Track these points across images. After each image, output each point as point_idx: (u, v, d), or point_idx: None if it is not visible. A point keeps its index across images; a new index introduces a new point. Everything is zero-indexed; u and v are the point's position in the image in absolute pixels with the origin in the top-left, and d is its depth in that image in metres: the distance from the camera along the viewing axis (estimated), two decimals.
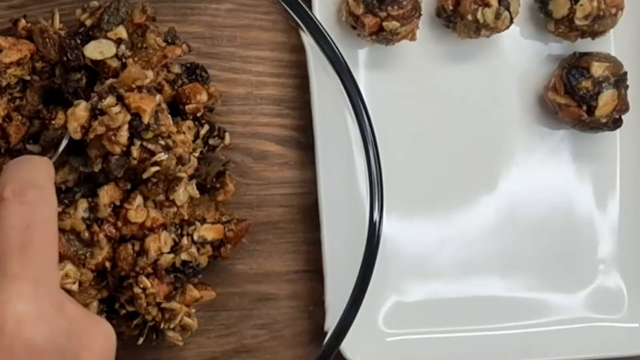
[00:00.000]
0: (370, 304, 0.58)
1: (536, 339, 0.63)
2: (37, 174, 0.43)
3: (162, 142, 0.51)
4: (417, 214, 0.63)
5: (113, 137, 0.49)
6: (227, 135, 0.57)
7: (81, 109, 0.50)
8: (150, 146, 0.50)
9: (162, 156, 0.50)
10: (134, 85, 0.51)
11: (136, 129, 0.50)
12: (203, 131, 0.56)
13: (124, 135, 0.49)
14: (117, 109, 0.49)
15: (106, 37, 0.53)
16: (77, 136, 0.50)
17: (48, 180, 0.44)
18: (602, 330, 0.63)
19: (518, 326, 0.63)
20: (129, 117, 0.49)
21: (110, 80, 0.51)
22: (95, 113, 0.50)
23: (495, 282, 0.63)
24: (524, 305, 0.63)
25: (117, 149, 0.50)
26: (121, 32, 0.53)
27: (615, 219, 0.65)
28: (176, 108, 0.56)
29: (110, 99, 0.50)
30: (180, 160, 0.52)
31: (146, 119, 0.50)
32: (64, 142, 0.52)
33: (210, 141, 0.57)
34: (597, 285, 0.64)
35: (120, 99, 0.50)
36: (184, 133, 0.52)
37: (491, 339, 0.63)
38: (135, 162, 0.50)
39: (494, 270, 0.63)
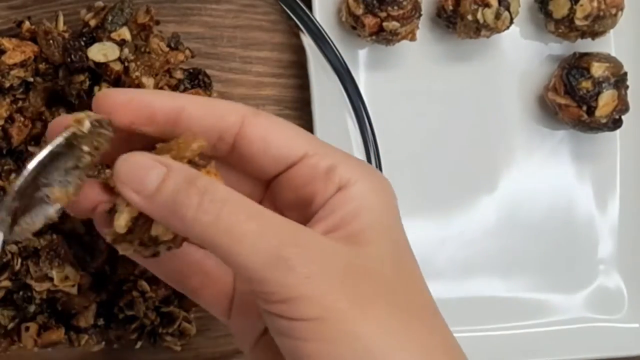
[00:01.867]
0: None
1: (536, 339, 0.63)
2: None
3: None
4: (417, 214, 0.63)
5: None
6: None
7: None
8: None
9: None
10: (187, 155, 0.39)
11: None
12: None
13: None
14: None
15: (110, 38, 0.53)
16: (122, 230, 0.39)
17: None
18: (602, 330, 0.63)
19: (518, 326, 0.63)
20: None
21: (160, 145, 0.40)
22: None
23: (496, 282, 0.63)
24: (524, 306, 0.63)
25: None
26: (125, 33, 0.53)
27: (616, 219, 0.65)
28: None
29: None
30: None
31: None
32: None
33: None
34: (597, 285, 0.64)
35: None
36: None
37: (491, 339, 0.63)
38: None
39: (494, 271, 0.63)
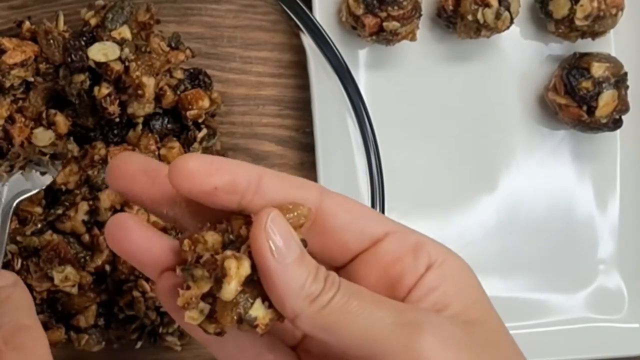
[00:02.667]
0: None
1: (536, 339, 0.63)
2: (19, 313, 0.42)
3: None
4: (417, 214, 0.63)
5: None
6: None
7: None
8: None
9: None
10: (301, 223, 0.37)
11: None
12: (201, 134, 0.56)
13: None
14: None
15: (110, 37, 0.53)
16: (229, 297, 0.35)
17: (31, 314, 0.43)
18: (602, 330, 0.63)
19: (518, 326, 0.63)
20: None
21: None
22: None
23: (496, 282, 0.63)
24: (524, 306, 0.63)
25: None
26: (125, 31, 0.53)
27: (616, 219, 0.65)
28: (178, 114, 0.56)
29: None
30: None
31: None
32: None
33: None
34: (597, 285, 0.64)
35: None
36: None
37: None
38: None
39: (495, 271, 0.63)
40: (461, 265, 0.38)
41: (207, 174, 0.35)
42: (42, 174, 0.53)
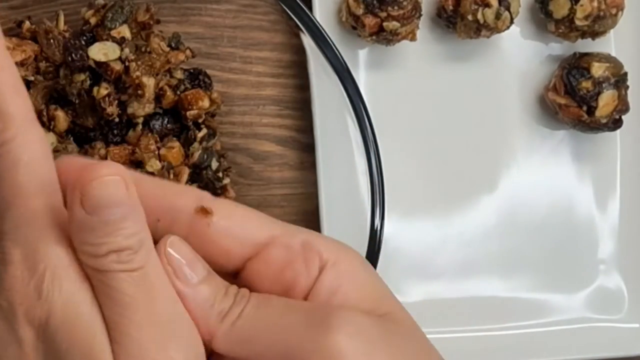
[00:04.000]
0: None
1: (536, 339, 0.63)
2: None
3: None
4: (417, 214, 0.63)
5: None
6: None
7: None
8: None
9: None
10: None
11: None
12: (200, 134, 0.56)
13: None
14: None
15: (110, 36, 0.53)
16: None
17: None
18: (603, 330, 0.63)
19: (518, 326, 0.63)
20: None
21: None
22: None
23: (496, 282, 0.63)
24: (524, 306, 0.63)
25: None
26: (124, 31, 0.54)
27: (616, 219, 0.65)
28: (178, 114, 0.56)
29: None
30: None
31: None
32: None
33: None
34: (598, 285, 0.64)
35: None
36: None
37: (491, 339, 0.63)
38: None
39: (494, 271, 0.63)
40: (357, 260, 0.37)
41: (72, 173, 0.34)
42: None
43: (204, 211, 0.35)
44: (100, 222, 0.31)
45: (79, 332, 0.32)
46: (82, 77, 0.53)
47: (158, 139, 0.56)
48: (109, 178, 0.31)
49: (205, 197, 0.36)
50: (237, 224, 0.36)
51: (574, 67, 0.60)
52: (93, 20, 0.54)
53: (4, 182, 0.32)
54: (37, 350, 0.32)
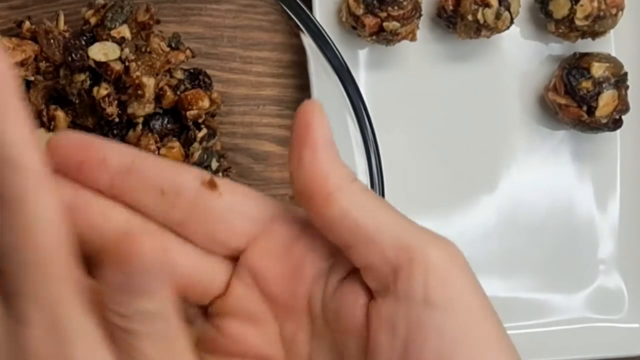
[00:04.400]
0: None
1: (536, 339, 0.63)
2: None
3: None
4: (417, 214, 0.62)
5: None
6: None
7: None
8: None
9: None
10: None
11: None
12: (200, 134, 0.56)
13: None
14: None
15: (109, 36, 0.53)
16: None
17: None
18: (603, 330, 0.63)
19: (518, 326, 0.63)
20: None
21: None
22: None
23: (495, 283, 0.63)
24: (524, 306, 0.63)
25: None
26: (124, 30, 0.54)
27: (616, 219, 0.65)
28: (178, 114, 0.56)
29: None
30: None
31: None
32: None
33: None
34: (598, 285, 0.64)
35: None
36: None
37: None
38: None
39: (494, 271, 0.63)
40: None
41: (75, 149, 0.34)
42: None
43: (212, 184, 0.34)
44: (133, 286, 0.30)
45: None
46: (82, 77, 0.53)
47: (158, 139, 0.56)
48: (151, 258, 0.30)
49: (207, 175, 0.35)
50: (242, 200, 0.35)
51: (574, 67, 0.60)
52: (93, 20, 0.54)
53: (20, 240, 0.31)
54: None
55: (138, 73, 0.53)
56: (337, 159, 0.34)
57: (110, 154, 0.34)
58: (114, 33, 0.53)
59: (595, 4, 0.59)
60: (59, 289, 0.31)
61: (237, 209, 0.35)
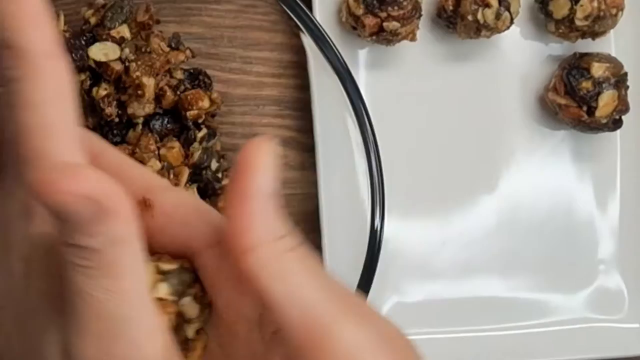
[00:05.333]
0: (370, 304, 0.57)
1: (536, 339, 0.63)
2: None
3: None
4: (417, 214, 0.63)
5: None
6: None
7: None
8: None
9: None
10: None
11: None
12: (200, 134, 0.56)
13: None
14: None
15: (109, 36, 0.53)
16: None
17: None
18: (603, 330, 0.63)
19: (518, 327, 0.63)
20: None
21: None
22: None
23: (496, 283, 0.63)
24: (524, 306, 0.63)
25: None
26: (124, 30, 0.54)
27: (616, 219, 0.65)
28: (178, 114, 0.56)
29: None
30: None
31: None
32: None
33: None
34: (598, 285, 0.64)
35: None
36: None
37: (491, 339, 0.63)
38: None
39: (495, 271, 0.63)
40: None
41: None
42: None
43: (144, 204, 0.33)
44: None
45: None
46: (82, 77, 0.53)
47: (158, 139, 0.56)
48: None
49: (153, 186, 0.34)
50: (178, 220, 0.33)
51: (574, 67, 0.60)
52: (93, 20, 0.54)
53: (12, 124, 0.31)
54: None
55: (138, 73, 0.53)
56: (268, 212, 0.31)
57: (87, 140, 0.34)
58: (113, 33, 0.53)
59: (595, 4, 0.59)
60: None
61: (172, 229, 0.33)
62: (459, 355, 0.62)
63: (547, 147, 0.64)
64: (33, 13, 0.30)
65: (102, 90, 0.53)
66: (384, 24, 0.58)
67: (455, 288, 0.63)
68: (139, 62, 0.53)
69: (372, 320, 0.31)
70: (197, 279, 0.33)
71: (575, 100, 0.60)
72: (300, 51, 0.58)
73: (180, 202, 0.34)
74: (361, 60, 0.62)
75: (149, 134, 0.56)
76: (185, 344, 0.33)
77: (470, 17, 0.59)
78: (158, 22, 0.56)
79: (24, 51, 0.30)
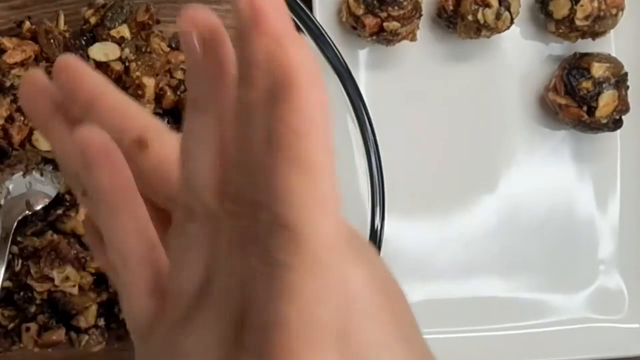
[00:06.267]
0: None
1: (537, 339, 0.63)
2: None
3: None
4: (417, 214, 0.63)
5: None
6: None
7: None
8: None
9: None
10: None
11: None
12: None
13: None
14: None
15: (109, 36, 0.53)
16: None
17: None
18: (603, 330, 0.63)
19: (519, 327, 0.63)
20: None
21: None
22: None
23: (496, 283, 0.63)
24: (524, 306, 0.63)
25: None
26: (124, 30, 0.54)
27: (616, 220, 0.65)
28: (178, 114, 0.56)
29: None
30: None
31: None
32: None
33: None
34: (598, 285, 0.64)
35: None
36: None
37: (492, 339, 0.63)
38: None
39: (495, 271, 0.63)
40: None
41: (64, 70, 0.35)
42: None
43: (140, 143, 0.33)
44: None
45: None
46: None
47: None
48: None
49: (150, 127, 0.33)
50: (171, 163, 0.32)
51: (574, 67, 0.60)
52: (93, 20, 0.54)
53: (262, 291, 0.26)
54: None
55: (138, 73, 0.53)
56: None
57: (86, 82, 0.34)
58: (113, 33, 0.53)
59: (595, 4, 0.59)
60: None
61: (166, 167, 0.32)
62: (459, 355, 0.62)
63: (547, 147, 0.64)
64: (326, 194, 0.25)
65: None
66: (384, 24, 0.58)
67: (455, 288, 0.63)
68: (139, 62, 0.53)
69: (370, 258, 0.30)
70: None
71: (575, 100, 0.60)
72: None
73: (175, 146, 0.32)
74: (361, 60, 0.62)
75: None
76: None
77: (470, 17, 0.59)
78: (158, 22, 0.56)
79: (305, 241, 0.25)
